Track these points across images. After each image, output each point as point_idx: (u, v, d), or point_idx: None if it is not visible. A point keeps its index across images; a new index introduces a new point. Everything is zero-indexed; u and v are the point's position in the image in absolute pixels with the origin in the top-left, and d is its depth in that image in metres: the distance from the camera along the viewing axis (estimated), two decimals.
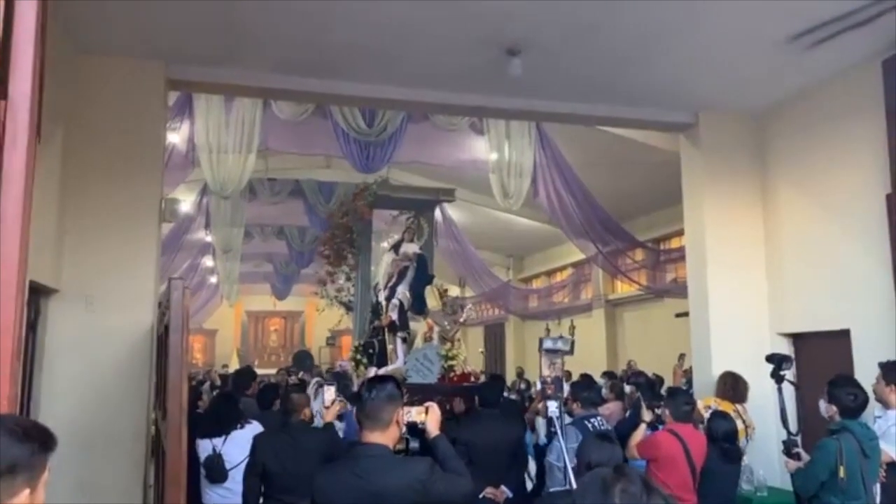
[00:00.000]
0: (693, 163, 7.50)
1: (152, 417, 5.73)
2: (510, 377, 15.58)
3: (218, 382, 9.40)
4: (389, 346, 9.35)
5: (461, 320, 9.60)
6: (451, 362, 8.88)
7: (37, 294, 5.31)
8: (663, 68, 6.32)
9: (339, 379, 7.73)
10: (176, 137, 8.41)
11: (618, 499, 1.22)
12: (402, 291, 9.52)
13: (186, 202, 11.49)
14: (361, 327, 10.89)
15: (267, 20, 5.46)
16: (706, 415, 5.30)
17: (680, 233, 11.91)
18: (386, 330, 9.41)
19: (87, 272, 5.67)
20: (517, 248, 19.67)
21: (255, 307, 27.33)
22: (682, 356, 9.97)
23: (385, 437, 2.83)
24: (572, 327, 17.01)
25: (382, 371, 8.78)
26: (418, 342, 9.21)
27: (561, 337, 4.36)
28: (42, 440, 1.49)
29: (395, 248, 10.03)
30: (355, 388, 8.09)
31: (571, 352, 4.12)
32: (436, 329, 9.26)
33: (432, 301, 9.77)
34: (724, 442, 4.70)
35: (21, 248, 1.95)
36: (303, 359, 9.59)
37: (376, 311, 9.91)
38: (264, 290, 24.01)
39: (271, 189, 13.30)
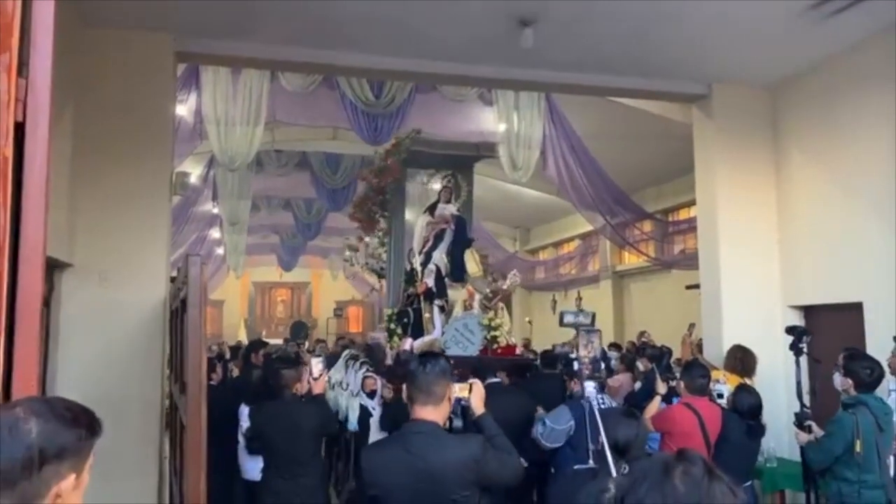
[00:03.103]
0: (706, 135, 7.42)
1: (166, 391, 5.76)
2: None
3: (227, 355, 9.42)
4: (425, 315, 8.75)
5: (504, 287, 8.80)
6: (494, 333, 8.19)
7: (50, 269, 5.31)
8: (677, 39, 6.22)
9: (372, 353, 7.46)
10: (183, 110, 8.35)
11: (678, 481, 1.19)
12: (439, 256, 8.98)
13: (193, 174, 11.43)
14: (395, 296, 10.15)
15: None
16: (712, 387, 5.29)
17: (689, 204, 11.87)
18: (422, 298, 8.82)
19: (99, 246, 5.67)
20: (524, 219, 19.60)
21: (261, 278, 27.39)
22: (691, 326, 9.92)
23: (437, 413, 2.76)
24: (579, 298, 17.02)
25: (418, 342, 8.31)
26: (457, 311, 8.60)
27: (581, 311, 4.30)
28: (90, 425, 1.48)
29: (431, 209, 9.47)
30: (389, 361, 7.68)
31: (593, 324, 4.08)
32: (476, 297, 8.54)
33: (472, 266, 9.08)
34: (749, 417, 4.67)
35: (44, 229, 1.93)
36: (298, 329, 9.54)
37: (410, 278, 9.31)
38: (271, 262, 24.03)
39: (278, 161, 13.21)
